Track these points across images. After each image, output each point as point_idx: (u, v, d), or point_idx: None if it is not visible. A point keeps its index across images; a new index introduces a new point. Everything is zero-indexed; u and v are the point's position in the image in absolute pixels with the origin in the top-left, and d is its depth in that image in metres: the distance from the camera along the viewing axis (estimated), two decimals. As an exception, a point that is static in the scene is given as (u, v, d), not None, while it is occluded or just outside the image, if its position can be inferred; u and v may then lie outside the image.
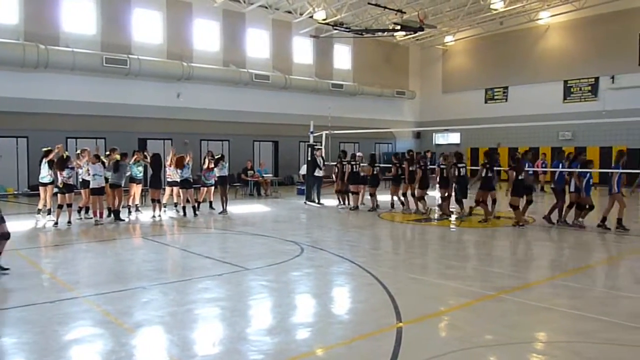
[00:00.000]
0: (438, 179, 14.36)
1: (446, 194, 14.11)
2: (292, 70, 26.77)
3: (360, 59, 29.99)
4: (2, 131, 18.93)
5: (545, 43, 27.98)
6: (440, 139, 32.97)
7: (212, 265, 8.18)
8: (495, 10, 25.68)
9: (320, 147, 18.02)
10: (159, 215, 13.69)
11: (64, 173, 12.26)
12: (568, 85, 27.06)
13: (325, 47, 28.16)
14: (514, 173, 12.06)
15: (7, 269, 7.32)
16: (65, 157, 12.52)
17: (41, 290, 6.78)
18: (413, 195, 14.80)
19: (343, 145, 27.69)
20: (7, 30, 18.94)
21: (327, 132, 18.85)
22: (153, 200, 13.71)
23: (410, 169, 14.71)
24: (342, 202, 16.54)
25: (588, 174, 11.82)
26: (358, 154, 16.73)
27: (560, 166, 12.19)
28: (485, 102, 30.43)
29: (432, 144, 32.48)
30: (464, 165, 14.17)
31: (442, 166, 14.19)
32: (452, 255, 9.31)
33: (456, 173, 13.79)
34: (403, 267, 8.18)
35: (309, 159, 17.67)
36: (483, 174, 12.68)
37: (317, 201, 17.20)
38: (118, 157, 13.24)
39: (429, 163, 15.28)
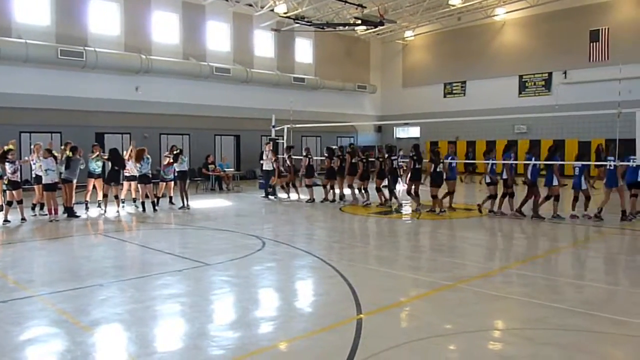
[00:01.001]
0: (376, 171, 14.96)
1: (381, 185, 14.76)
2: (253, 63, 26.54)
3: (322, 53, 29.99)
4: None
5: (502, 39, 28.62)
6: (401, 132, 33.36)
7: (172, 261, 8.06)
8: (454, 6, 26.08)
9: (271, 141, 17.90)
10: (117, 211, 13.40)
11: (7, 168, 11.79)
12: (523, 80, 27.77)
13: (286, 40, 28.02)
14: (433, 165, 12.90)
15: None
16: (4, 150, 11.99)
17: (-7, 290, 6.54)
18: (351, 186, 15.38)
19: (305, 139, 27.74)
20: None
21: (289, 126, 18.79)
22: (108, 196, 13.45)
23: (353, 161, 15.14)
24: (288, 195, 16.59)
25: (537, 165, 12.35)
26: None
27: (534, 160, 12.38)
28: (444, 97, 30.93)
29: (392, 137, 32.83)
30: (395, 158, 15.46)
31: (379, 159, 14.82)
32: (412, 247, 9.45)
33: (392, 165, 14.79)
34: (364, 260, 8.25)
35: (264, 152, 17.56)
36: (432, 169, 13.03)
37: (272, 195, 17.16)
38: (68, 152, 12.80)
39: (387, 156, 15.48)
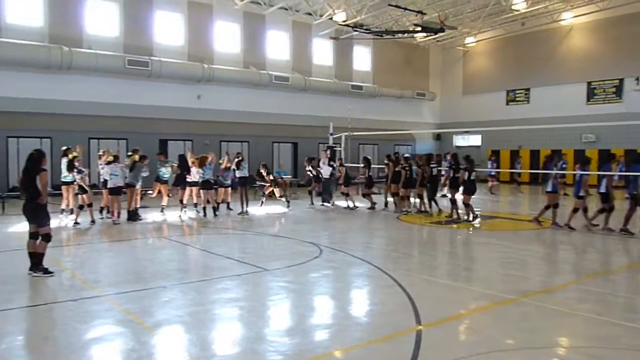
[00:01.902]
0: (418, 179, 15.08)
1: (418, 193, 15.00)
2: (311, 71, 26.83)
3: (380, 61, 29.93)
4: (27, 132, 19.30)
5: (568, 44, 27.59)
6: (461, 140, 32.72)
7: (232, 265, 8.24)
8: (517, 11, 25.41)
9: (328, 149, 17.99)
10: (179, 216, 13.88)
11: (76, 175, 12.46)
12: (592, 86, 26.64)
13: (345, 48, 28.17)
14: (466, 173, 13.14)
15: (51, 272, 7.36)
16: (71, 158, 12.65)
17: (64, 288, 6.91)
18: (397, 194, 15.48)
19: (363, 147, 27.74)
20: (33, 32, 19.33)
21: (346, 133, 18.84)
22: (181, 202, 14.10)
23: (396, 169, 15.34)
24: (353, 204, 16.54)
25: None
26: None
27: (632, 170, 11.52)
28: (507, 104, 30.11)
29: (452, 145, 32.24)
30: (435, 166, 15.49)
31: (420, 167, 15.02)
32: (471, 258, 9.23)
33: (431, 173, 14.79)
34: (422, 270, 8.14)
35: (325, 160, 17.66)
36: (466, 178, 13.26)
37: (327, 202, 17.20)
38: (137, 157, 13.46)
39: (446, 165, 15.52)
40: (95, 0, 20.87)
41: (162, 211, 14.36)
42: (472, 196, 13.26)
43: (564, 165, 17.36)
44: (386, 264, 8.28)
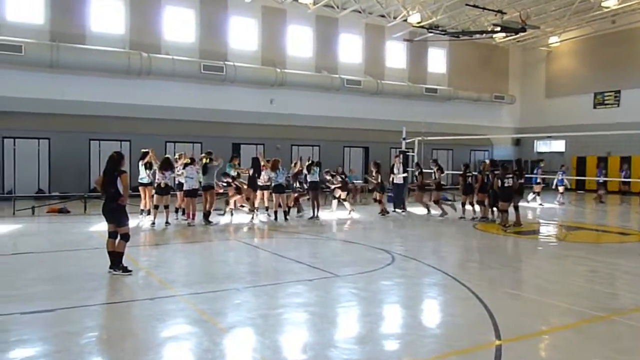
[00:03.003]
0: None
1: (479, 200, 14.93)
2: (384, 75, 26.72)
3: (456, 62, 29.33)
4: (107, 135, 20.50)
5: (666, 42, 25.86)
6: (542, 146, 31.41)
7: (302, 270, 8.33)
8: (607, 8, 24.08)
9: (400, 154, 17.78)
10: (251, 219, 14.18)
11: (166, 174, 13.05)
12: (693, 88, 24.79)
13: (419, 50, 27.86)
14: (499, 181, 13.26)
15: (130, 271, 7.75)
16: (167, 158, 13.46)
17: (141, 287, 7.26)
18: (480, 203, 15.20)
19: (436, 152, 27.29)
20: (115, 39, 20.51)
21: (419, 138, 18.58)
22: (247, 199, 14.51)
23: (468, 175, 15.34)
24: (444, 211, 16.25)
25: None
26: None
27: None
28: (594, 107, 28.60)
29: (533, 151, 31.02)
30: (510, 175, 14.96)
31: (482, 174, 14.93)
32: (554, 271, 8.82)
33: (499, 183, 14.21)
34: (501, 282, 7.87)
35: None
36: (499, 185, 13.32)
37: (400, 209, 17.00)
38: (206, 160, 13.79)
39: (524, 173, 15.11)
40: (173, 8, 21.86)
41: (230, 214, 14.73)
42: (511, 203, 13.43)
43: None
44: (462, 274, 8.08)
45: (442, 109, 28.05)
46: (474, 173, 15.43)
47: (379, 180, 16.15)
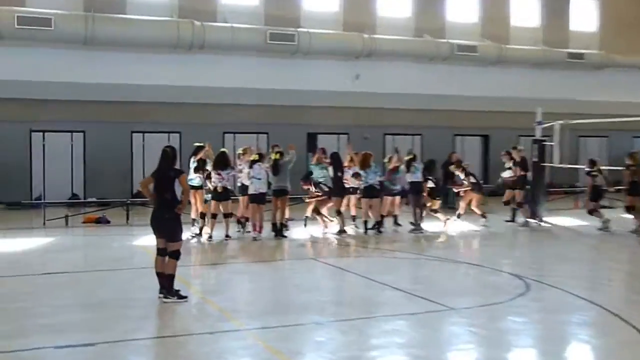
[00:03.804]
0: None
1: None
2: (509, 37, 25.96)
3: (612, 17, 28.00)
4: (154, 125, 21.37)
5: None
6: None
7: (402, 299, 8.29)
8: None
9: (513, 148, 17.25)
10: (338, 231, 14.22)
11: (223, 174, 13.25)
12: None
13: (558, 3, 26.90)
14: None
15: (185, 297, 8.00)
16: (223, 152, 13.55)
17: (197, 317, 7.50)
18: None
19: (584, 140, 26.25)
20: (160, 6, 21.24)
21: (561, 122, 17.92)
22: (339, 213, 14.22)
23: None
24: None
25: None
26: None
27: None
28: None
29: None
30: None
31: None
32: None
33: None
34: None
35: (534, 160, 16.99)
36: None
37: (534, 219, 16.48)
38: (274, 155, 13.78)
39: None
40: (232, -39, 22.40)
41: (304, 225, 14.93)
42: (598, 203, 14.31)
43: None
44: (627, 310, 7.70)
45: (591, 81, 26.84)
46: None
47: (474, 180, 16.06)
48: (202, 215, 13.52)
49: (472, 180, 16.06)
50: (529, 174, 16.61)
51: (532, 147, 17.45)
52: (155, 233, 8.19)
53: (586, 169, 15.71)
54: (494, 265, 10.59)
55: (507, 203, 16.68)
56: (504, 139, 25.33)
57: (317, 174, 14.69)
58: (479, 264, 10.89)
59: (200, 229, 13.55)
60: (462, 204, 16.15)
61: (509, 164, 16.58)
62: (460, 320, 7.31)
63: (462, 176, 16.00)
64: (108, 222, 16.10)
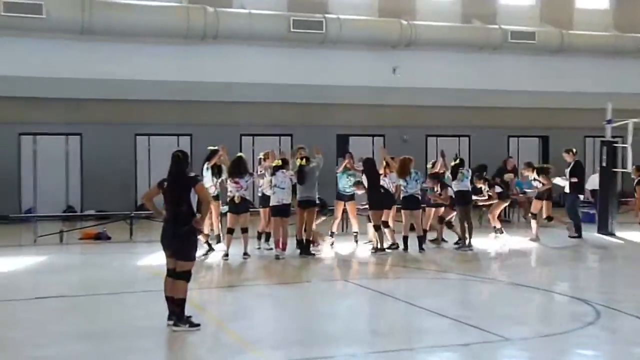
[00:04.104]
0: None
1: None
2: (572, 22, 25.77)
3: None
4: (161, 127, 21.51)
5: None
6: None
7: (449, 327, 8.24)
8: None
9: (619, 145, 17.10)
10: (374, 249, 14.16)
11: (241, 182, 13.27)
12: None
13: (630, -20, 26.68)
14: None
15: (197, 325, 7.96)
16: (240, 157, 13.56)
17: (211, 348, 7.51)
18: None
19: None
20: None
21: (635, 119, 17.71)
22: (377, 228, 14.05)
23: None
24: None
25: None
26: None
27: None
28: None
29: None
30: None
31: None
32: None
33: None
34: None
35: (603, 164, 16.83)
36: None
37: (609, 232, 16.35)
38: (301, 161, 13.69)
39: None
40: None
41: (331, 238, 14.93)
42: None
43: None
44: None
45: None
46: None
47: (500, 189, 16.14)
48: (230, 231, 13.30)
49: (498, 189, 16.15)
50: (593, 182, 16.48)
51: (600, 149, 17.28)
52: (165, 251, 8.18)
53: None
54: (556, 288, 10.51)
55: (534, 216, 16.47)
56: (566, 140, 25.06)
57: (343, 183, 14.73)
58: (537, 286, 10.76)
59: (208, 244, 13.62)
60: (491, 217, 16.18)
61: (532, 174, 16.59)
62: (517, 352, 7.29)
63: (484, 187, 15.97)
64: (109, 238, 16.16)
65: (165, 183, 8.09)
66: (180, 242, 7.97)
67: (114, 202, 19.83)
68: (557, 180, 16.77)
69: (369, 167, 14.48)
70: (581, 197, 17.11)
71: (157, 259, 9.02)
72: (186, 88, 21.47)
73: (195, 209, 7.93)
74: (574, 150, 17.17)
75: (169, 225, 8.04)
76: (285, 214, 13.53)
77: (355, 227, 15.23)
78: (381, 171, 14.77)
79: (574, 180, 16.55)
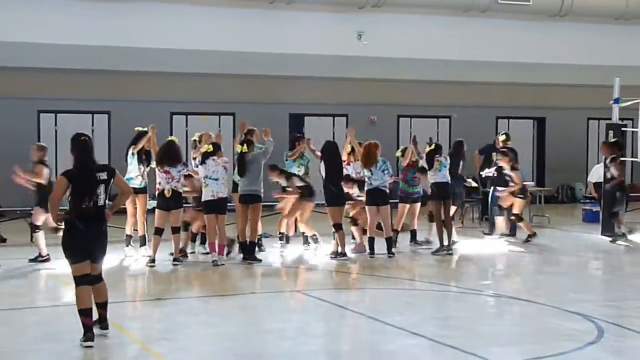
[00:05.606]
0: None
1: None
2: (574, -19, 26.09)
3: None
4: (70, 103, 21.26)
5: None
6: None
7: (424, 350, 8.29)
8: None
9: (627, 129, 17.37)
10: (334, 253, 14.21)
11: (173, 173, 13.14)
12: None
13: None
14: None
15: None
16: (171, 142, 13.52)
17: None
18: None
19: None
20: None
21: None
22: (338, 228, 14.08)
23: None
24: None
25: None
26: None
27: None
28: None
29: None
30: None
31: None
32: None
33: None
34: None
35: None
36: None
37: (620, 233, 16.59)
38: (241, 146, 13.63)
39: None
40: None
41: (284, 240, 14.91)
42: None
43: None
44: None
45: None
46: None
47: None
48: (158, 232, 13.22)
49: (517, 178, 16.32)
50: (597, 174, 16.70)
51: (606, 134, 17.53)
52: (80, 255, 8.01)
53: None
54: (553, 301, 10.61)
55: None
56: (565, 122, 25.45)
57: (294, 172, 14.76)
58: (528, 298, 10.88)
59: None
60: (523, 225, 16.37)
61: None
62: (505, 378, 7.34)
63: (509, 172, 16.07)
64: (4, 240, 16.02)
65: (76, 174, 7.98)
66: (102, 242, 8.13)
67: (8, 197, 18.77)
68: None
69: (331, 152, 14.40)
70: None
71: (63, 266, 8.89)
72: (103, 55, 21.17)
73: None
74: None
75: (88, 225, 7.92)
76: (221, 211, 13.46)
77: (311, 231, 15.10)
78: (344, 158, 14.79)
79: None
